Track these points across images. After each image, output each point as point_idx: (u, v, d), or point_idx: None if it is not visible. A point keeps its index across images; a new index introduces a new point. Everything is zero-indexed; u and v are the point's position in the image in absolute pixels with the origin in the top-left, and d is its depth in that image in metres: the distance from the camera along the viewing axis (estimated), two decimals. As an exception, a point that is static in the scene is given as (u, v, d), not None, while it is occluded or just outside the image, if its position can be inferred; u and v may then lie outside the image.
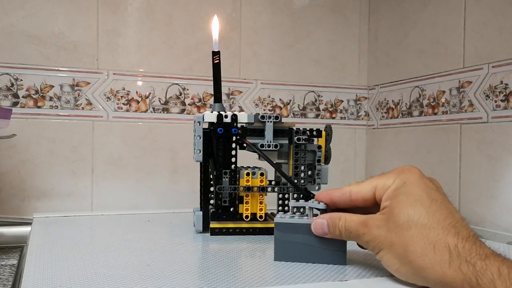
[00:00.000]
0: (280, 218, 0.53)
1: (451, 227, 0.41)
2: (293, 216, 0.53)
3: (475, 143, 0.90)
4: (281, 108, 1.17)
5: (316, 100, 1.21)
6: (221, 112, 0.68)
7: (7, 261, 0.66)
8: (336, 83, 1.23)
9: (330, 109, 1.22)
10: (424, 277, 0.41)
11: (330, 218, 0.49)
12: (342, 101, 1.23)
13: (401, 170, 0.47)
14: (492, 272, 0.37)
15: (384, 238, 0.44)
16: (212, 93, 1.13)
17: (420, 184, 0.45)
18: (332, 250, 0.52)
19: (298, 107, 1.19)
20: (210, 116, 0.68)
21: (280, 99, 1.17)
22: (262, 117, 0.68)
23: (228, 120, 0.68)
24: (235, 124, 0.68)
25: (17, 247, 0.77)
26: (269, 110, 1.16)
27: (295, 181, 0.69)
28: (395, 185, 0.46)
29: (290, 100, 1.18)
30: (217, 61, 0.70)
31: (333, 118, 1.22)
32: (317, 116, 1.21)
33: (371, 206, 0.48)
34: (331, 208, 0.52)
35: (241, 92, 1.14)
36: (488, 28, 0.87)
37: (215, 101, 0.72)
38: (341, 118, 1.23)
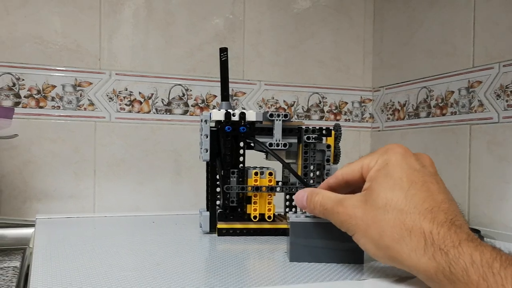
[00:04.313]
0: (295, 218, 0.52)
1: (428, 212, 0.40)
2: (308, 216, 0.52)
3: (485, 144, 0.88)
4: (285, 110, 1.16)
5: (320, 102, 1.19)
6: (229, 110, 0.67)
7: (10, 263, 0.64)
8: (340, 85, 1.21)
9: (334, 111, 1.21)
10: (400, 263, 0.40)
11: (310, 192, 0.49)
12: (346, 103, 1.22)
13: (385, 150, 0.45)
14: (464, 260, 0.35)
15: (361, 220, 0.43)
16: (215, 94, 1.13)
17: (402, 165, 0.43)
18: (349, 248, 0.50)
19: (302, 109, 1.18)
20: (218, 114, 0.66)
21: (284, 101, 1.16)
22: (271, 115, 0.67)
23: (236, 118, 0.67)
24: (243, 123, 0.67)
25: (19, 249, 0.75)
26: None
27: (305, 181, 0.67)
28: (377, 166, 0.44)
29: (294, 102, 1.17)
30: (225, 58, 0.69)
31: (338, 120, 1.21)
32: (321, 118, 1.19)
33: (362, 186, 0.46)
34: None
35: (244, 93, 1.13)
36: (499, 26, 0.86)
37: (222, 100, 0.70)
38: (346, 120, 1.22)
